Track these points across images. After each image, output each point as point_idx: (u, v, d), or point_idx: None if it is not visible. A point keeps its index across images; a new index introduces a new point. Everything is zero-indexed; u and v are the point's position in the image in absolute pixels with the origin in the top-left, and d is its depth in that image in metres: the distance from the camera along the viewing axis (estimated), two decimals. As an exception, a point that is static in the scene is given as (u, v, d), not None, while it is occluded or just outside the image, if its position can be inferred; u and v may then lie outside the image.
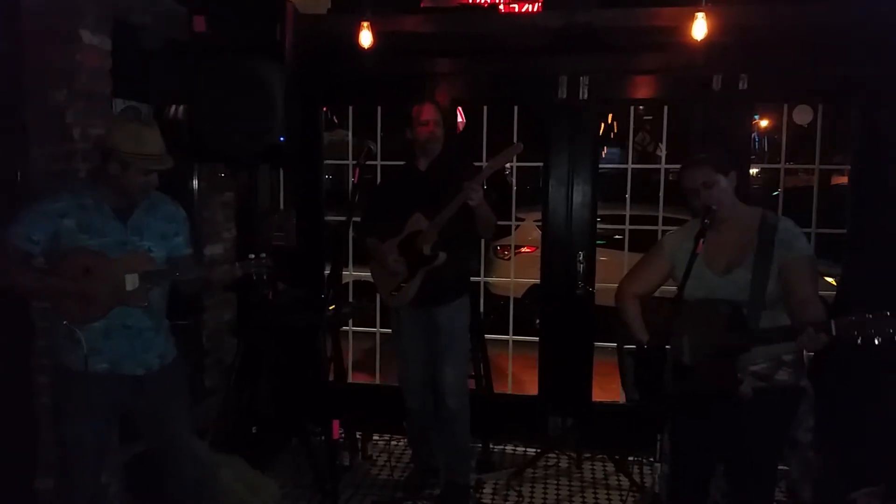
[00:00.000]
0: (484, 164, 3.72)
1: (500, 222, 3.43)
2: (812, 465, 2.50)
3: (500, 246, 7.16)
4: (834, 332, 2.00)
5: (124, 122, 2.42)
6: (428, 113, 3.28)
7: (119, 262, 2.38)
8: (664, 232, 2.93)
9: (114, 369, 2.47)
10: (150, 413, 2.61)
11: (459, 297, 3.37)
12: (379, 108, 4.32)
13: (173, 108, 3.52)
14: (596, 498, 3.63)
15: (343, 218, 3.31)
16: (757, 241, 2.33)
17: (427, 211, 3.19)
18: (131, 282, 2.38)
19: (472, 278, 3.70)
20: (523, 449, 4.16)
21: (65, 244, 2.37)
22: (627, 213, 4.36)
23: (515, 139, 4.15)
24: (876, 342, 1.93)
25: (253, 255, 2.58)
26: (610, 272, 4.06)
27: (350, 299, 4.79)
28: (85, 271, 2.35)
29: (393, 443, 4.24)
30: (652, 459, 3.87)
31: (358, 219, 3.59)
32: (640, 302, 2.58)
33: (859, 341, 1.96)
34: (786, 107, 4.08)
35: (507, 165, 4.15)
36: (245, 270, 2.59)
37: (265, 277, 2.60)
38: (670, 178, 4.38)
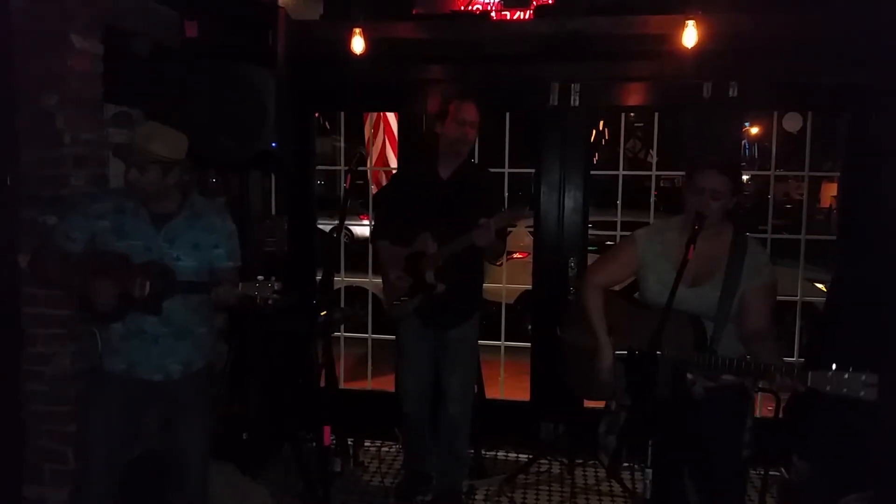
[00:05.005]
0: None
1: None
2: (748, 462, 2.53)
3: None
4: (809, 384, 2.02)
5: (141, 125, 2.43)
6: (469, 112, 3.11)
7: (135, 269, 2.37)
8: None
9: (130, 371, 2.47)
10: (165, 420, 2.60)
11: (470, 319, 3.31)
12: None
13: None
14: (588, 504, 3.64)
15: (335, 223, 3.29)
16: (727, 261, 2.36)
17: (441, 226, 3.10)
18: (145, 289, 2.36)
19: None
20: (515, 455, 4.15)
21: (99, 245, 2.40)
22: (619, 219, 4.37)
23: (507, 146, 4.18)
24: (844, 395, 1.97)
25: (261, 277, 2.38)
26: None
27: (342, 305, 4.79)
28: (104, 272, 2.34)
29: (385, 449, 4.22)
30: (643, 465, 3.87)
31: (348, 224, 3.58)
32: (603, 294, 2.58)
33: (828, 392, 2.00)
34: (776, 114, 4.12)
35: (501, 170, 4.17)
36: (248, 292, 2.38)
37: (270, 302, 2.39)
38: (661, 185, 4.40)
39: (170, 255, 2.44)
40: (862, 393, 1.94)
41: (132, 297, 2.35)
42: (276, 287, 2.39)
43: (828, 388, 1.99)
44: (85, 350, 2.53)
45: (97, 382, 2.51)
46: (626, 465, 2.36)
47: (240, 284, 2.40)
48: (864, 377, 1.95)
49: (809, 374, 2.02)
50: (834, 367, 1.98)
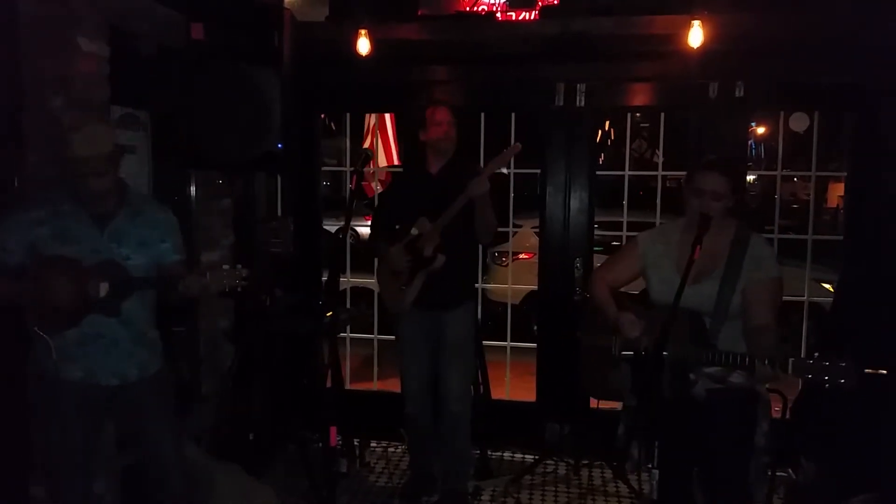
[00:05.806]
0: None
1: (498, 228, 3.43)
2: (767, 468, 2.51)
3: (497, 252, 7.17)
4: (790, 371, 2.02)
5: (78, 126, 2.32)
6: (442, 114, 3.33)
7: (90, 270, 2.33)
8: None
9: (87, 378, 2.42)
10: (129, 424, 2.57)
11: (465, 303, 3.39)
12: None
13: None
14: (594, 505, 3.63)
15: (340, 224, 3.31)
16: (728, 255, 2.35)
17: (434, 215, 3.22)
18: (102, 290, 2.32)
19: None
20: (521, 456, 4.15)
21: (40, 252, 2.33)
22: (625, 219, 4.36)
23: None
24: (825, 386, 1.95)
25: (227, 266, 2.40)
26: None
27: (348, 305, 4.79)
28: (55, 279, 2.30)
29: (391, 449, 4.23)
30: (650, 466, 3.86)
31: (354, 224, 3.60)
32: (610, 290, 2.58)
33: (809, 380, 1.99)
34: (782, 114, 4.10)
35: (505, 171, 4.16)
36: (216, 282, 2.35)
37: (239, 290, 2.36)
38: (667, 185, 4.39)
39: (119, 254, 2.39)
40: (841, 381, 1.93)
41: (89, 300, 2.31)
42: (243, 274, 2.36)
43: (808, 375, 1.98)
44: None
45: (52, 392, 2.41)
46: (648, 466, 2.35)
47: (207, 274, 2.36)
48: (841, 364, 1.93)
49: (790, 361, 2.01)
50: (816, 355, 1.97)
